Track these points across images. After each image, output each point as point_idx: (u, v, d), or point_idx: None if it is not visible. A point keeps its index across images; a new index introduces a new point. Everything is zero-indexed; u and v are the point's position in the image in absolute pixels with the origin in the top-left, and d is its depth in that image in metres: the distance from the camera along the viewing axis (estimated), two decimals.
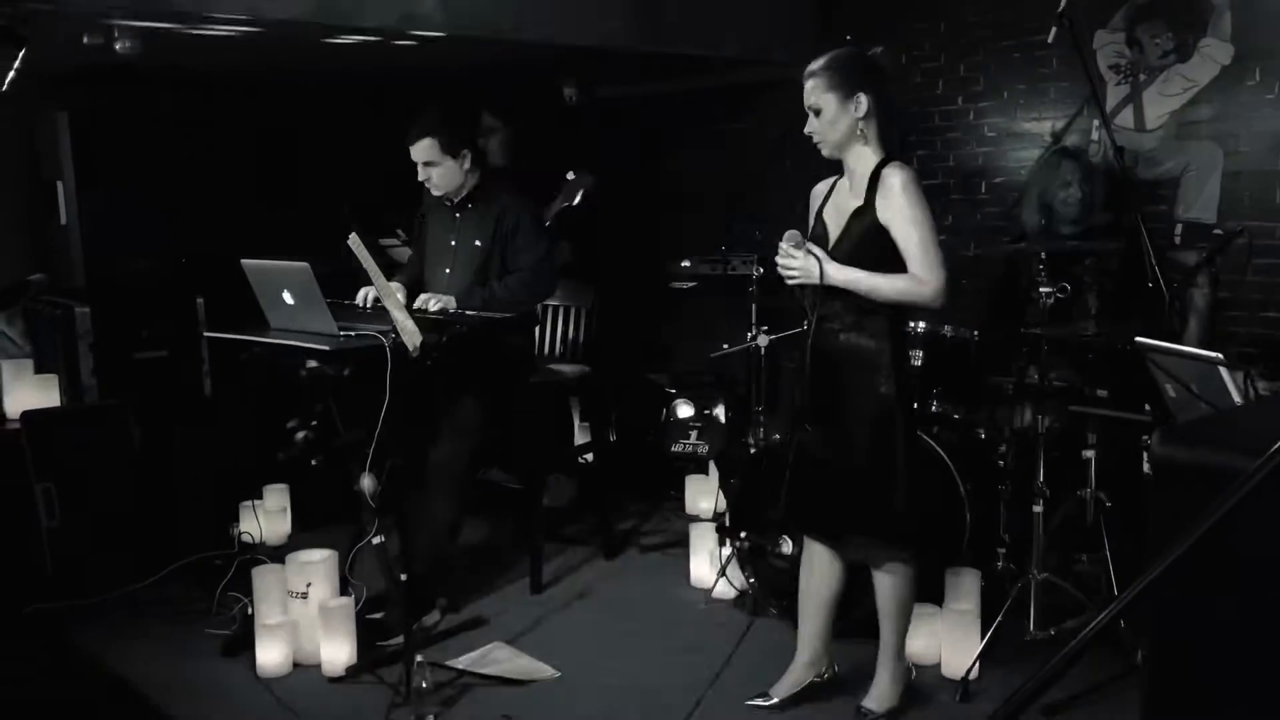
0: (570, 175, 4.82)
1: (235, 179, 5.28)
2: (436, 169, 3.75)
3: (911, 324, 3.83)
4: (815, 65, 2.82)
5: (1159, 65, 4.32)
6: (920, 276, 2.74)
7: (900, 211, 2.74)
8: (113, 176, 4.78)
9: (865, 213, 2.79)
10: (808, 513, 3.02)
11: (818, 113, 2.81)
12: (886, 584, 3.00)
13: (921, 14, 5.05)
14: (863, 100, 2.78)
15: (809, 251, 2.81)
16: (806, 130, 2.85)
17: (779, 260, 2.85)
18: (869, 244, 2.78)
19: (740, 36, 5.02)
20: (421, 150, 3.72)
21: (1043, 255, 3.38)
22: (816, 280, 2.79)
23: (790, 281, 2.86)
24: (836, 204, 2.91)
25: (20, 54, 3.31)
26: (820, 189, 3.01)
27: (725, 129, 5.86)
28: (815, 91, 2.80)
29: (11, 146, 4.90)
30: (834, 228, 2.89)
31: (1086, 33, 4.34)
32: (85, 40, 3.92)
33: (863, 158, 2.83)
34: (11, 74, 3.48)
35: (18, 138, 4.92)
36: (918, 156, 5.16)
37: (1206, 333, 3.88)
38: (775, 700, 3.10)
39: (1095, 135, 4.47)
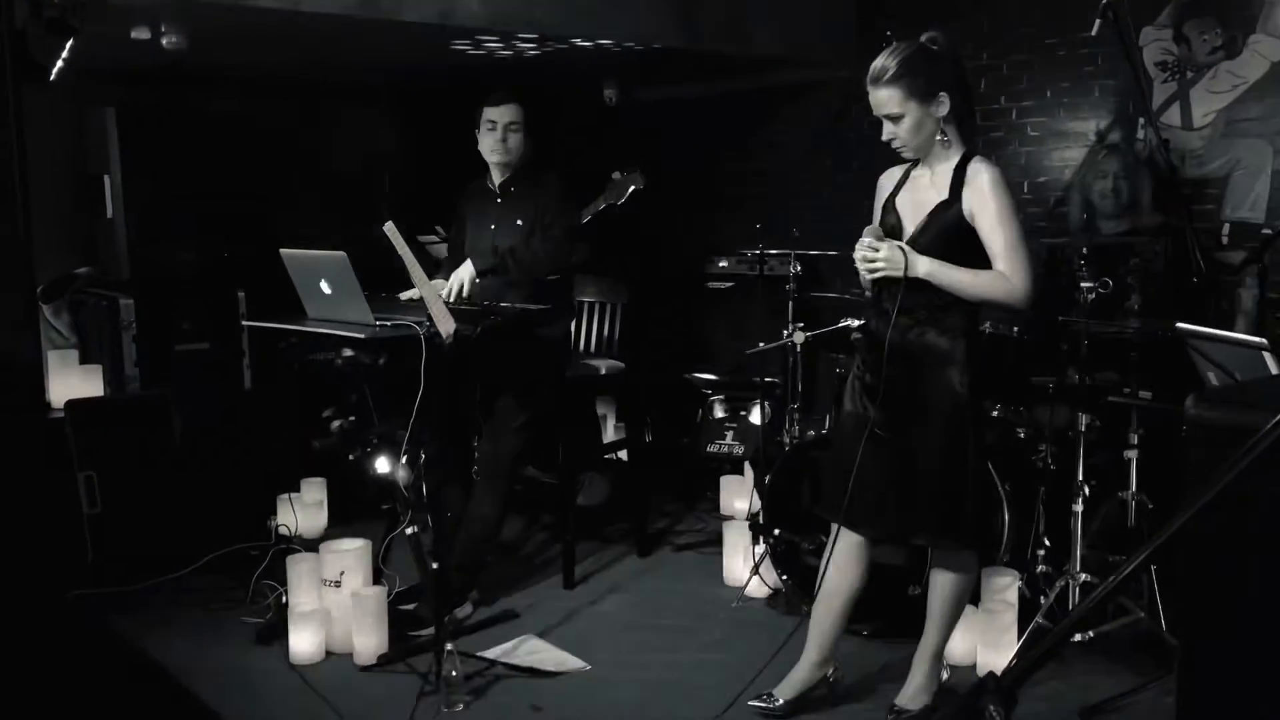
0: (616, 175, 4.82)
1: (278, 174, 5.34)
2: (515, 135, 3.82)
3: None
4: (888, 72, 2.71)
5: (1207, 62, 4.24)
6: (1007, 274, 2.67)
7: (989, 208, 2.67)
8: (158, 171, 4.85)
9: (949, 206, 2.72)
10: (869, 513, 2.89)
11: (896, 119, 2.72)
12: (946, 583, 2.95)
13: (964, 11, 5.00)
14: (944, 99, 2.71)
15: (894, 244, 2.74)
16: (885, 137, 2.76)
17: (859, 254, 2.75)
18: (951, 239, 2.71)
19: (781, 37, 5.00)
20: (508, 111, 3.80)
21: (1084, 250, 3.33)
22: (901, 272, 2.70)
23: (873, 275, 2.76)
24: (914, 197, 2.83)
25: (69, 44, 3.37)
26: (889, 178, 2.93)
27: (765, 129, 5.84)
28: (894, 101, 2.70)
29: (61, 141, 4.99)
30: (910, 220, 2.81)
31: (1132, 29, 4.28)
32: (132, 34, 3.98)
33: (947, 154, 2.77)
34: (60, 64, 3.54)
35: (66, 133, 5.02)
36: None
37: (1254, 333, 3.80)
38: (781, 701, 3.04)
39: (1141, 134, 4.40)
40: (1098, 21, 3.35)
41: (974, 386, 2.78)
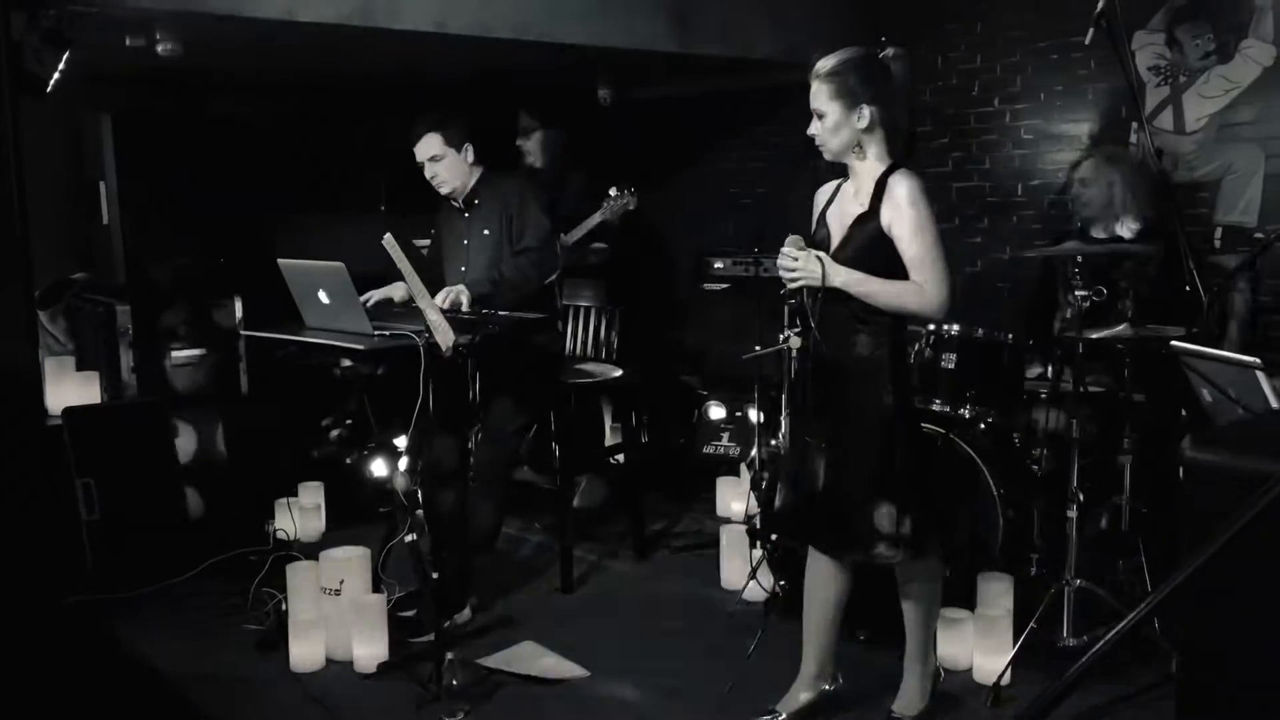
0: (612, 192, 4.85)
1: (273, 180, 5.34)
2: (441, 163, 3.78)
3: (945, 327, 3.81)
4: (823, 68, 2.78)
5: (1199, 67, 4.27)
6: (922, 285, 2.71)
7: (905, 219, 2.71)
8: (154, 177, 4.84)
9: (869, 219, 2.77)
10: (811, 528, 2.96)
11: (820, 116, 2.79)
12: (910, 591, 2.98)
13: (958, 15, 5.02)
14: (866, 112, 2.75)
15: (812, 254, 2.79)
16: (810, 132, 2.82)
17: (780, 262, 2.81)
18: (871, 250, 2.75)
19: (776, 39, 5.01)
20: (426, 146, 3.76)
21: (1078, 259, 3.35)
22: (818, 282, 2.75)
23: (792, 284, 2.82)
24: (840, 208, 2.89)
25: (65, 56, 3.38)
26: (824, 192, 2.99)
27: (760, 130, 5.85)
28: (820, 96, 2.77)
29: (56, 147, 4.99)
30: (836, 232, 2.87)
31: (1125, 34, 4.29)
32: (128, 42, 3.99)
33: (865, 164, 2.81)
34: (56, 75, 3.54)
35: (62, 138, 5.01)
36: (953, 158, 5.13)
37: (1246, 337, 3.83)
38: (784, 716, 3.05)
39: (1134, 138, 4.42)
40: (1091, 30, 3.37)
41: (901, 397, 2.81)
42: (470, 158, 3.83)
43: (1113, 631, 1.05)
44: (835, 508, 2.86)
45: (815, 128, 2.81)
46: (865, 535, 2.82)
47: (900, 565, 2.93)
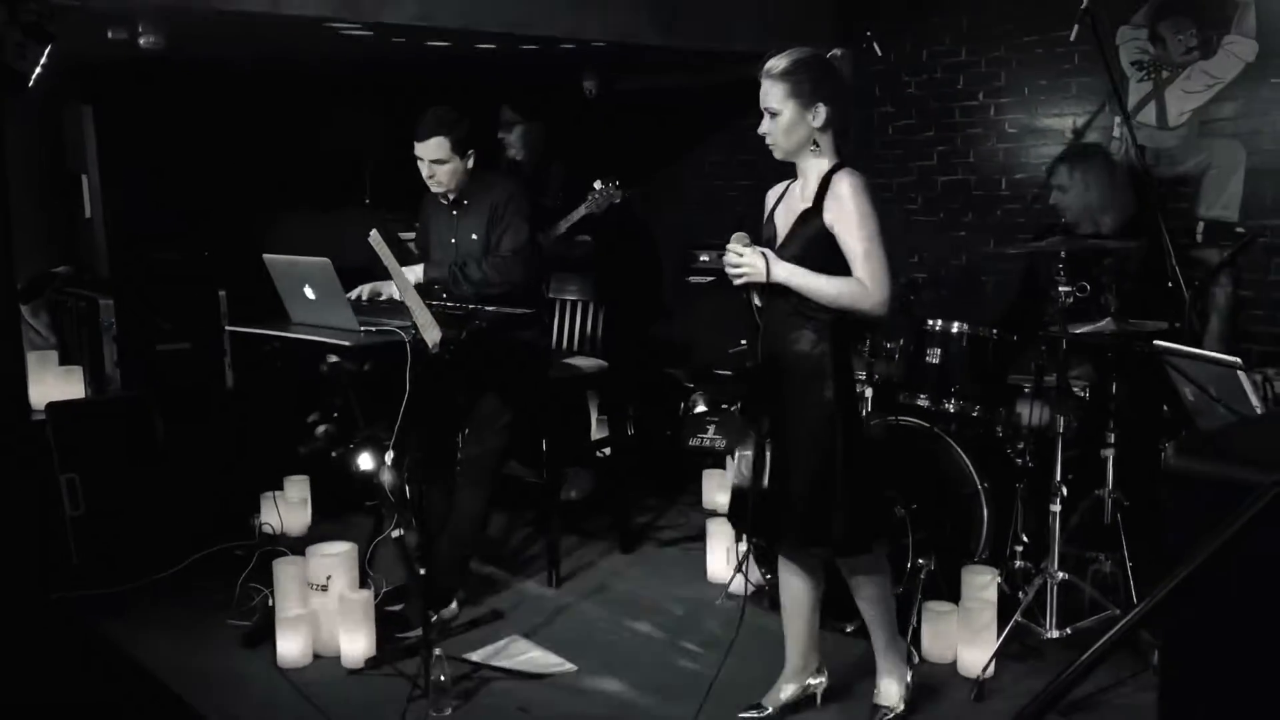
0: (597, 185, 4.84)
1: (258, 172, 5.32)
2: (444, 167, 3.72)
3: (931, 321, 3.84)
4: (776, 67, 2.79)
5: (1182, 62, 4.29)
6: (863, 281, 2.74)
7: (847, 217, 2.74)
8: (137, 170, 4.82)
9: (813, 216, 2.80)
10: (766, 525, 2.99)
11: (774, 115, 2.80)
12: (857, 588, 3.01)
13: (942, 8, 5.04)
14: (821, 110, 2.77)
15: (757, 250, 2.81)
16: (760, 130, 2.83)
17: (725, 259, 2.84)
18: (815, 248, 2.78)
19: (757, 32, 5.01)
20: (431, 148, 3.68)
21: (1062, 254, 3.37)
22: (762, 278, 2.78)
23: (738, 281, 2.84)
24: (788, 206, 2.91)
25: (46, 50, 3.34)
26: (774, 192, 3.01)
27: (744, 123, 5.84)
28: (774, 96, 2.78)
29: (38, 139, 4.95)
30: (782, 229, 2.90)
31: (1109, 28, 4.32)
32: (110, 35, 3.96)
33: (813, 162, 2.84)
34: (38, 69, 3.51)
35: (44, 131, 4.97)
36: (937, 152, 5.15)
37: (1228, 331, 3.87)
38: (770, 710, 3.08)
39: (1117, 132, 4.45)
40: (1076, 27, 3.39)
41: (843, 394, 2.83)
42: (471, 164, 3.79)
43: (1105, 637, 1.07)
44: (779, 503, 2.90)
45: (768, 126, 2.82)
46: (803, 531, 2.87)
47: (841, 563, 2.97)
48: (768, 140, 2.83)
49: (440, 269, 3.76)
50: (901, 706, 3.05)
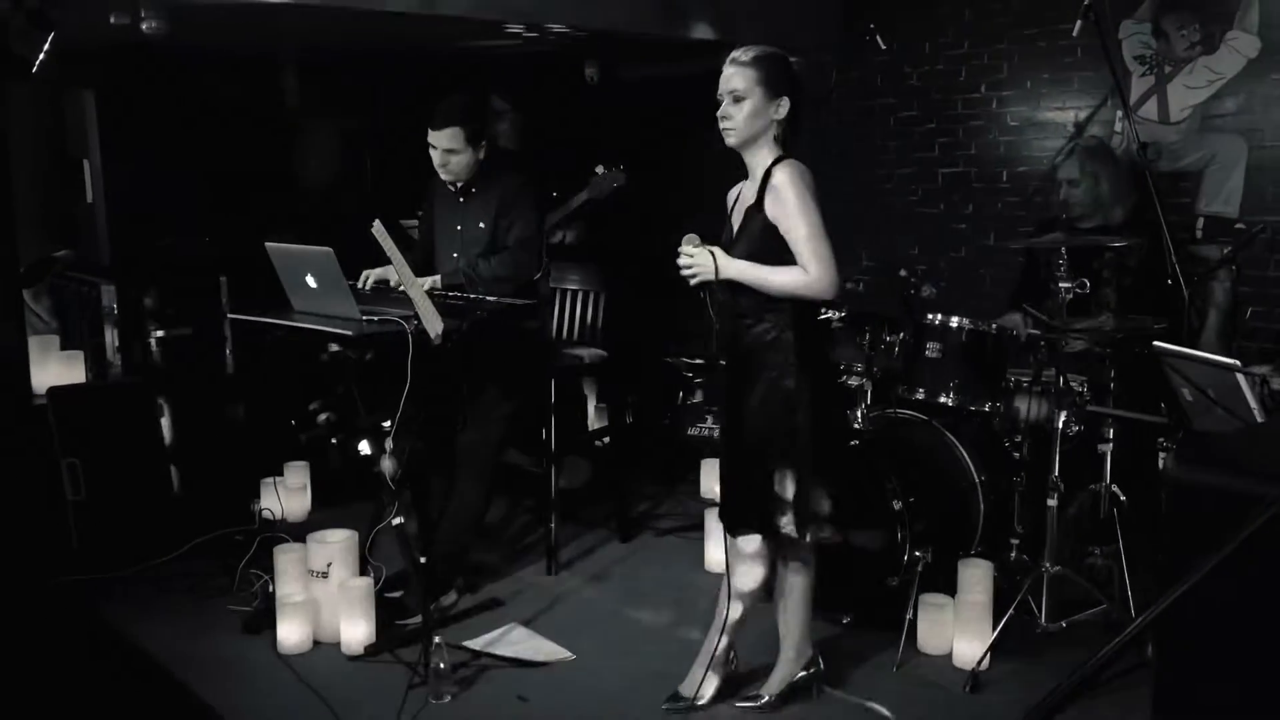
0: (599, 170, 4.83)
1: (260, 159, 5.31)
2: (456, 156, 3.72)
3: (930, 316, 3.85)
4: (747, 55, 2.82)
5: (1185, 57, 4.29)
6: (807, 269, 2.77)
7: (785, 205, 2.77)
8: (139, 155, 4.81)
9: (756, 212, 2.84)
10: (736, 511, 3.06)
11: (739, 100, 2.81)
12: (783, 578, 3.07)
13: (946, 1, 5.03)
14: (785, 104, 2.82)
15: (705, 249, 2.86)
16: (720, 114, 2.84)
17: (678, 260, 2.89)
18: (763, 242, 2.82)
19: (764, 23, 5.00)
20: (446, 137, 3.69)
21: (1063, 250, 3.38)
22: (713, 276, 2.83)
23: (692, 281, 2.89)
24: (741, 203, 2.95)
25: (49, 37, 3.35)
26: (733, 191, 3.05)
27: None
28: (744, 79, 2.80)
29: (39, 124, 4.94)
30: (735, 226, 2.95)
31: (1111, 23, 4.32)
32: (113, 20, 3.95)
33: (760, 157, 2.87)
34: (41, 56, 3.51)
35: (46, 116, 4.96)
36: (939, 144, 5.15)
37: (1227, 328, 3.88)
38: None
39: (1119, 127, 4.45)
40: (1079, 21, 3.39)
41: (804, 380, 2.87)
42: (483, 155, 3.79)
43: (1114, 641, 1.09)
44: (734, 490, 3.02)
45: (727, 111, 2.84)
46: (750, 517, 2.96)
47: (783, 550, 3.03)
48: (725, 125, 2.86)
49: (453, 274, 3.75)
50: (775, 698, 3.11)
